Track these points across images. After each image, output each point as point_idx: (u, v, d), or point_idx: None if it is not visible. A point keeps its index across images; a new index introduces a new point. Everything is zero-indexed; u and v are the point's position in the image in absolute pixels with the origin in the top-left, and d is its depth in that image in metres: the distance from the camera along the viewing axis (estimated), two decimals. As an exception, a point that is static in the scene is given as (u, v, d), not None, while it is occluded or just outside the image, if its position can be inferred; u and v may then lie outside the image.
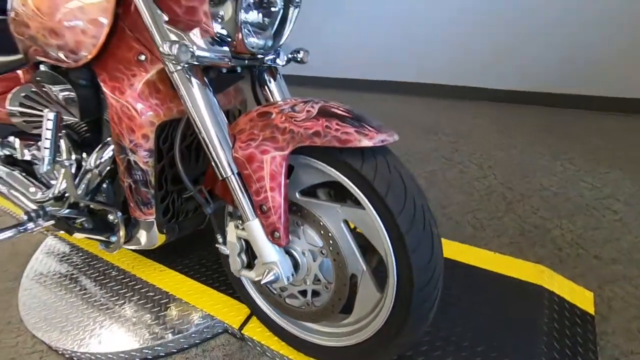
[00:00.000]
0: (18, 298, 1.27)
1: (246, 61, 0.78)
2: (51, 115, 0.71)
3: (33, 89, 0.86)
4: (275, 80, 0.90)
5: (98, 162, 0.87)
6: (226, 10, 0.65)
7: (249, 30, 0.72)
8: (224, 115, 0.72)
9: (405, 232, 0.62)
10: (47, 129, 0.72)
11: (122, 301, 1.14)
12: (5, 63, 0.98)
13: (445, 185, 1.56)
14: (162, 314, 1.07)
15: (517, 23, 2.02)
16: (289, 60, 0.89)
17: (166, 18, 0.68)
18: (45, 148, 0.73)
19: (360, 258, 0.73)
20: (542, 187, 1.48)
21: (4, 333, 1.18)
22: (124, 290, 1.19)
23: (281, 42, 0.80)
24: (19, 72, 0.98)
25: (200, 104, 0.69)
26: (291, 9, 0.78)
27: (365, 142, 0.60)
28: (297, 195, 0.78)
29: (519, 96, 2.18)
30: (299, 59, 0.92)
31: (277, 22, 0.78)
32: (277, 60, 0.85)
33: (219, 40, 0.70)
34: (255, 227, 0.69)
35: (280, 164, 0.67)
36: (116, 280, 1.24)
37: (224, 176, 0.69)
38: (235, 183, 0.69)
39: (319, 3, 2.44)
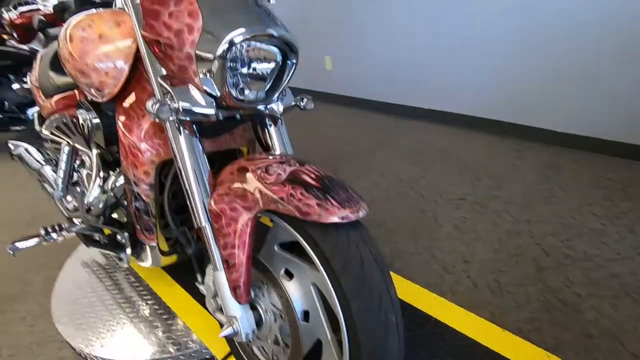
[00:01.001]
0: (53, 288, 1.44)
1: (240, 111, 0.80)
2: (67, 149, 0.80)
3: (64, 120, 0.98)
4: (275, 125, 0.91)
5: (113, 186, 0.96)
6: (214, 68, 0.67)
7: (238, 85, 0.74)
8: (206, 165, 0.75)
9: (357, 315, 0.59)
10: (62, 160, 0.82)
11: (133, 310, 1.23)
12: (66, 82, 1.12)
13: (472, 238, 1.44)
14: (163, 330, 1.14)
15: (580, 59, 1.80)
16: (290, 108, 0.89)
17: (164, 72, 0.73)
18: (59, 177, 0.83)
19: (326, 325, 0.70)
20: (585, 256, 1.29)
21: (41, 319, 1.34)
22: (135, 299, 1.28)
23: (276, 95, 0.81)
24: (76, 91, 1.12)
25: (184, 153, 0.72)
26: (288, 62, 0.78)
27: (324, 218, 0.59)
28: (276, 248, 0.78)
29: (576, 140, 1.94)
30: (301, 107, 0.92)
31: (272, 76, 0.79)
32: (275, 109, 0.86)
33: (207, 96, 0.73)
34: (220, 279, 0.71)
35: (247, 223, 0.67)
36: (132, 287, 1.34)
37: (198, 225, 0.71)
38: (208, 233, 0.71)
39: (356, 17, 2.42)
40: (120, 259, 1.06)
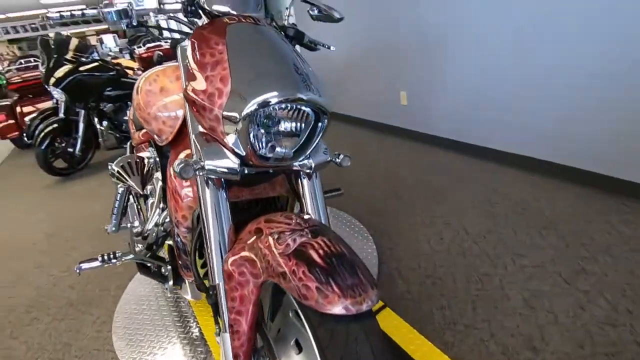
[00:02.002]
0: (120, 298, 1.60)
1: (270, 170, 0.80)
2: (121, 189, 0.90)
3: (129, 161, 1.10)
4: (310, 179, 0.88)
5: (163, 221, 1.04)
6: (239, 128, 0.68)
7: (264, 145, 0.73)
8: (229, 220, 0.75)
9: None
10: (117, 199, 0.91)
11: (175, 337, 1.30)
12: None
13: (546, 319, 1.20)
14: (204, 356, 1.17)
15: None
16: (323, 164, 0.86)
17: (200, 129, 0.77)
18: (112, 214, 0.93)
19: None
20: None
21: (106, 325, 1.50)
22: (179, 324, 1.35)
23: (304, 155, 0.79)
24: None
25: (208, 208, 0.74)
26: (319, 124, 0.76)
27: (321, 307, 0.53)
28: (291, 314, 0.75)
29: None
30: (337, 163, 0.89)
31: (302, 136, 0.77)
32: (306, 166, 0.83)
33: (233, 155, 0.74)
34: (225, 342, 0.69)
35: (252, 291, 0.65)
36: (179, 312, 1.42)
37: (212, 283, 0.71)
38: (220, 291, 0.71)
39: (434, 53, 2.28)
40: (166, 288, 1.12)
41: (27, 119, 3.90)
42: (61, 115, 3.18)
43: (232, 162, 0.74)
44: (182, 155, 0.89)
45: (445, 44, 2.33)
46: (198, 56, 0.75)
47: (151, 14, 0.93)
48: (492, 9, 2.02)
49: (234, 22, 0.80)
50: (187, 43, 0.84)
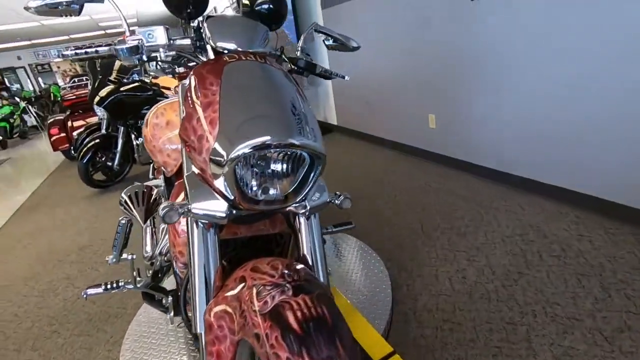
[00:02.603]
0: (133, 319, 1.62)
1: (262, 212, 0.76)
2: (124, 221, 0.91)
3: (137, 190, 1.12)
4: (309, 219, 0.84)
5: (167, 252, 1.04)
6: (225, 172, 0.66)
7: (253, 188, 0.71)
8: (216, 264, 0.73)
9: None
10: (117, 232, 0.92)
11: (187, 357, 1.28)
12: None
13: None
14: None
15: None
16: (321, 206, 0.82)
17: (195, 170, 0.76)
18: (114, 245, 0.93)
19: None
20: None
21: (117, 346, 1.52)
22: (184, 352, 1.33)
23: (297, 199, 0.75)
24: None
25: (195, 251, 0.72)
26: (313, 168, 0.72)
27: None
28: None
29: None
30: (337, 204, 0.84)
31: (295, 179, 0.73)
32: (301, 209, 0.79)
33: (222, 198, 0.71)
34: None
35: (229, 348, 0.61)
36: (187, 339, 1.41)
37: (194, 331, 0.68)
38: (201, 342, 0.67)
39: (467, 75, 2.16)
40: (169, 319, 1.11)
41: (75, 133, 4.21)
42: (103, 131, 3.39)
43: (220, 206, 0.71)
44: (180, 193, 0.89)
45: (478, 66, 2.22)
46: (193, 96, 0.75)
47: (161, 49, 0.94)
48: (543, 32, 1.90)
49: (233, 61, 0.79)
50: (187, 81, 0.84)
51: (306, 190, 0.75)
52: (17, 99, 8.06)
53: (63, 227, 2.93)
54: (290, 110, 0.72)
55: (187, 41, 0.98)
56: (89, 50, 0.91)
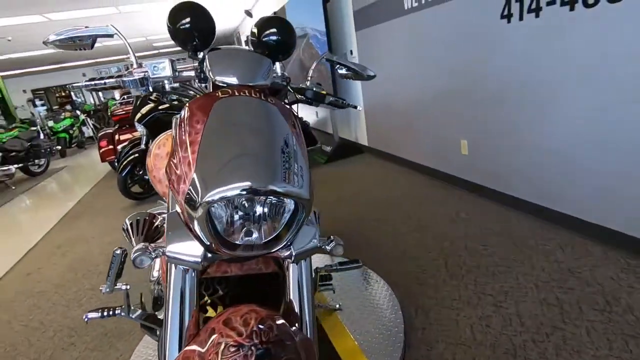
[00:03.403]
0: (141, 340, 1.63)
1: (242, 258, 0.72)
2: (118, 251, 0.90)
3: (138, 218, 1.12)
4: (297, 263, 0.79)
5: (160, 278, 1.02)
6: (200, 217, 0.63)
7: (231, 234, 0.67)
8: (193, 306, 0.70)
9: None
10: (111, 262, 0.92)
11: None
12: None
13: None
14: None
15: None
16: (307, 252, 0.76)
17: (177, 208, 0.73)
18: (107, 275, 0.93)
19: None
20: None
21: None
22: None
23: (280, 246, 0.70)
24: None
25: (171, 293, 0.69)
26: (297, 214, 0.67)
27: None
28: None
29: None
30: (327, 250, 0.78)
31: (277, 226, 0.69)
32: (286, 254, 0.74)
33: (199, 243, 0.68)
34: None
35: None
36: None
37: None
38: None
39: (503, 100, 1.99)
40: None
41: (119, 146, 4.49)
42: (142, 146, 3.57)
43: (197, 249, 0.68)
44: None
45: (522, 95, 2.06)
46: (181, 132, 0.73)
47: (166, 81, 0.95)
48: (593, 63, 1.74)
49: (226, 96, 0.77)
50: (181, 113, 0.83)
51: (289, 237, 0.70)
52: (78, 112, 8.84)
53: (99, 237, 3.09)
54: (275, 152, 0.68)
55: (192, 73, 0.98)
56: (98, 82, 0.94)
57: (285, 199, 0.65)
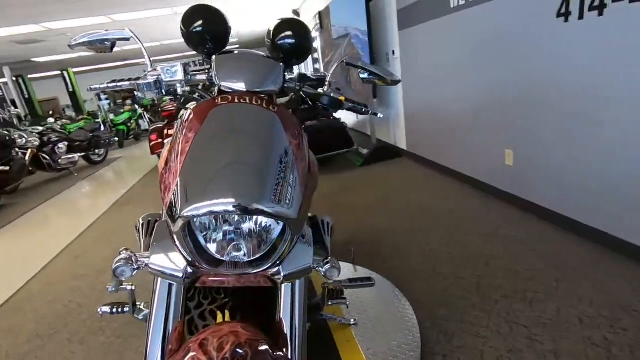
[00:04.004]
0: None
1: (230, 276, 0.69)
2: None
3: (150, 219, 1.13)
4: (291, 283, 0.74)
5: None
6: (180, 232, 0.60)
7: (215, 252, 0.63)
8: (177, 318, 0.68)
9: None
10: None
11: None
12: None
13: None
14: None
15: None
16: (297, 274, 0.71)
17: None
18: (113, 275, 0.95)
19: None
20: None
21: (141, 355, 1.58)
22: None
23: (266, 266, 0.65)
24: None
25: (155, 303, 0.68)
26: (287, 231, 0.62)
27: None
28: None
29: None
30: (321, 272, 0.72)
31: (264, 246, 0.64)
32: (275, 275, 0.70)
33: (181, 258, 0.65)
34: None
35: None
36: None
37: None
38: None
39: (553, 107, 1.76)
40: None
41: (166, 141, 4.74)
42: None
43: (179, 264, 0.66)
44: None
45: (579, 104, 1.84)
46: (175, 140, 0.71)
47: (178, 84, 0.95)
48: None
49: (224, 104, 0.74)
50: (184, 116, 0.82)
51: (275, 258, 0.65)
52: (137, 106, 9.50)
53: (134, 235, 3.26)
54: (266, 167, 0.64)
55: (204, 77, 0.96)
56: (110, 85, 0.95)
57: (270, 218, 0.61)
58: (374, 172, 3.69)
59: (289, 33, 0.98)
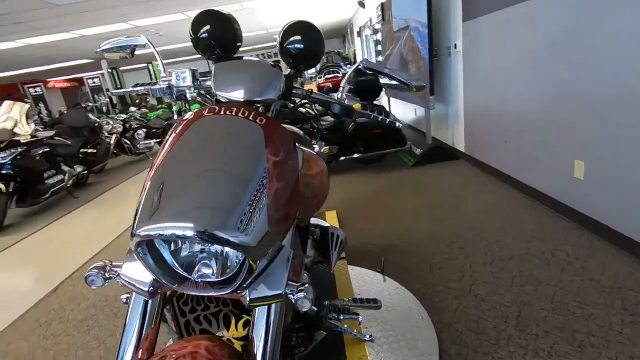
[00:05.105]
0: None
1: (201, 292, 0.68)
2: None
3: None
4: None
5: None
6: (133, 247, 0.60)
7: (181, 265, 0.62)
8: (151, 326, 0.69)
9: None
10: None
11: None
12: None
13: None
14: None
15: None
16: (270, 298, 0.67)
17: None
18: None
19: None
20: None
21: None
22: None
23: (232, 288, 0.63)
24: None
25: (129, 309, 0.69)
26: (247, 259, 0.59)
27: None
28: None
29: None
30: (293, 300, 0.68)
31: (225, 267, 0.62)
32: (243, 297, 0.67)
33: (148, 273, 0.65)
34: None
35: None
36: None
37: None
38: None
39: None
40: None
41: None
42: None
43: (144, 277, 0.66)
44: None
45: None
46: (159, 153, 0.71)
47: (187, 90, 0.96)
48: None
49: (208, 116, 0.72)
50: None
51: (237, 283, 0.62)
52: (208, 97, 10.16)
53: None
54: (227, 189, 0.61)
55: (210, 83, 0.96)
56: (126, 90, 1.00)
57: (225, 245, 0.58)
58: (426, 174, 3.48)
59: (297, 37, 0.94)
